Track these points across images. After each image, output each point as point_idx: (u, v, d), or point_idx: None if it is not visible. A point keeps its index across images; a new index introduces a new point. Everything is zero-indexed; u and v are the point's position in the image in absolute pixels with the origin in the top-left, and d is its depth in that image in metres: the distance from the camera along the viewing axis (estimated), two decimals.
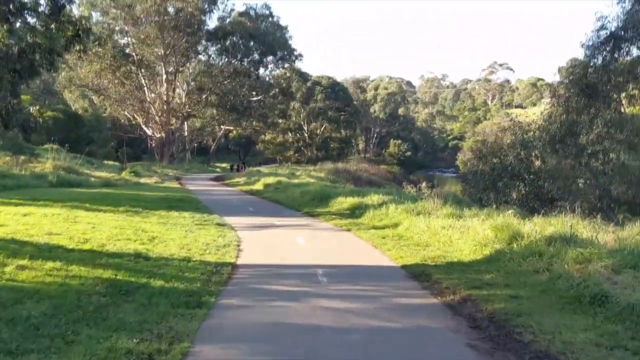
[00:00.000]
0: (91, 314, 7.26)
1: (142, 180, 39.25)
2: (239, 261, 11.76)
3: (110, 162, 56.41)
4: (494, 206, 21.81)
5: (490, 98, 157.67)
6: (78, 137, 62.03)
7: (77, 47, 21.69)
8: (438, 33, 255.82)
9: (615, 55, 19.84)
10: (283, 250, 13.27)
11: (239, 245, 13.67)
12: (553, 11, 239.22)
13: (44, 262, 9.69)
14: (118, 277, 9.23)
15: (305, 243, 14.34)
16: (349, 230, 16.79)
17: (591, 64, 19.49)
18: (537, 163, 27.29)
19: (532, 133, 27.18)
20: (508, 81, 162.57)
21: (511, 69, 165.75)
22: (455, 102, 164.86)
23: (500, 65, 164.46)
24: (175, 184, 39.11)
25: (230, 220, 19.15)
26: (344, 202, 22.69)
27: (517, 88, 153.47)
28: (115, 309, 7.53)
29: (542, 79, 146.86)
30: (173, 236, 14.34)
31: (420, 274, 10.25)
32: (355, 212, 20.72)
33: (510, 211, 14.80)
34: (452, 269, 10.42)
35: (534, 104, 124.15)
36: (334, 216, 20.30)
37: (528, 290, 8.31)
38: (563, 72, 19.86)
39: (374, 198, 22.47)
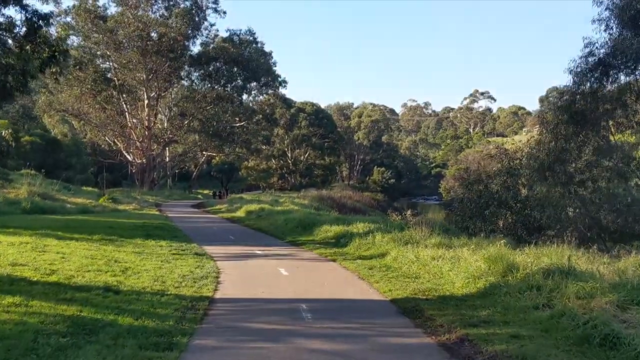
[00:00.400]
0: (47, 358, 6.45)
1: (121, 207, 38.22)
2: (217, 295, 10.97)
3: (89, 188, 55.23)
4: (482, 235, 21.33)
5: (471, 126, 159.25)
6: (56, 163, 60.86)
7: (53, 69, 20.94)
8: (420, 61, 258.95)
9: (604, 82, 19.60)
10: (265, 282, 12.50)
11: (217, 277, 12.88)
12: (533, 40, 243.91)
13: (2, 297, 8.85)
14: (83, 313, 8.41)
15: (289, 274, 13.59)
16: (334, 260, 16.08)
17: (579, 90, 19.21)
18: (524, 191, 26.96)
19: (518, 160, 26.92)
20: (489, 110, 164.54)
21: (492, 98, 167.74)
22: (438, 130, 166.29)
23: (482, 94, 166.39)
24: (154, 211, 38.13)
25: (209, 249, 18.34)
26: (329, 231, 21.99)
27: (499, 117, 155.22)
28: (75, 352, 6.73)
29: (523, 108, 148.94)
30: (148, 267, 13.51)
31: (411, 310, 9.55)
32: (340, 240, 20.02)
33: (502, 241, 14.19)
34: (445, 304, 9.73)
35: (515, 133, 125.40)
36: (318, 245, 19.58)
37: (529, 329, 7.65)
38: (550, 99, 19.52)
39: (359, 226, 21.81)
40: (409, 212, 38.66)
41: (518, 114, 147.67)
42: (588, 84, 19.44)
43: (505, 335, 7.39)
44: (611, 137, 21.01)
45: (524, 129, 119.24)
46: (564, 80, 20.01)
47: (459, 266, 12.25)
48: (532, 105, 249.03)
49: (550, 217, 19.57)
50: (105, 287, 10.62)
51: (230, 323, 8.67)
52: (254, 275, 13.48)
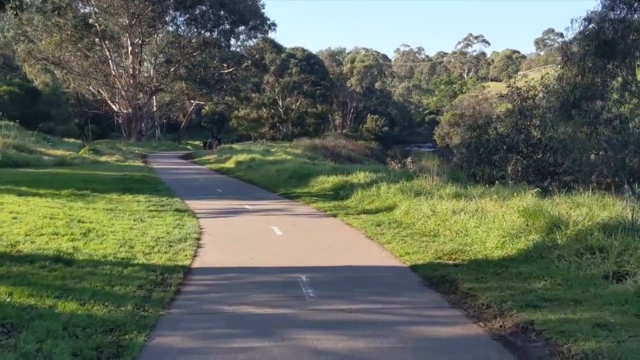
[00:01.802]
0: None
1: (103, 158, 35.89)
2: (196, 263, 8.89)
3: (72, 140, 52.54)
4: (495, 182, 19.34)
5: (466, 71, 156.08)
6: (37, 114, 57.96)
7: (12, 4, 18.37)
8: (413, 4, 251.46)
9: (635, 8, 17.20)
10: (255, 244, 10.43)
11: (198, 239, 10.79)
12: None
13: None
14: (12, 298, 6.32)
15: (283, 234, 11.51)
16: (334, 215, 14.00)
17: (608, 17, 16.82)
18: (536, 134, 24.84)
19: (531, 100, 24.64)
20: (484, 54, 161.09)
21: (487, 42, 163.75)
22: (431, 76, 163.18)
23: (476, 37, 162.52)
24: (139, 163, 35.83)
25: (193, 204, 16.23)
26: (326, 182, 19.87)
27: (493, 61, 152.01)
28: None
29: (517, 52, 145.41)
30: (116, 228, 11.38)
31: (440, 281, 7.53)
32: (339, 192, 17.93)
33: (534, 190, 12.13)
34: (482, 272, 7.70)
35: (510, 77, 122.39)
36: (315, 198, 17.48)
37: (614, 312, 5.61)
38: (575, 27, 17.33)
39: (360, 176, 19.70)
40: (409, 159, 36.61)
41: (512, 58, 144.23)
42: (619, 10, 17.02)
43: (585, 322, 5.34)
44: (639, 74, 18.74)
45: (519, 73, 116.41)
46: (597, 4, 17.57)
47: (487, 221, 10.19)
48: (527, 48, 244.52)
49: (575, 160, 17.47)
50: (56, 256, 8.51)
51: (208, 306, 6.59)
52: (243, 235, 11.39)
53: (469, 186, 15.45)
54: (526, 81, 25.55)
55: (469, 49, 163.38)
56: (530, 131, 24.86)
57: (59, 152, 35.62)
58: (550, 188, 17.66)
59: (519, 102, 24.47)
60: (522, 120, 24.79)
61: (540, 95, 24.81)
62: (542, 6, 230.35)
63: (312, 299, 6.82)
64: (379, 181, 16.81)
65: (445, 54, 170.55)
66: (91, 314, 5.95)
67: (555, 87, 18.86)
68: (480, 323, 5.83)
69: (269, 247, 10.15)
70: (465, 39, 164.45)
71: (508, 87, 25.14)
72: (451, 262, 8.56)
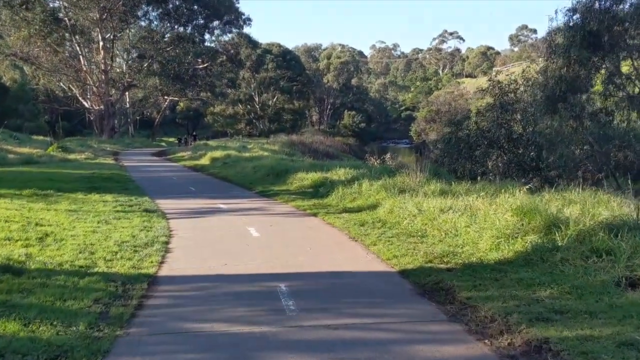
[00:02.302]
0: None
1: (72, 156, 34.55)
2: (163, 271, 8.03)
3: (40, 138, 51.00)
4: (479, 178, 18.82)
5: (441, 67, 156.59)
6: (5, 110, 56.14)
7: None
8: (389, 1, 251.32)
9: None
10: (229, 248, 9.60)
11: (167, 243, 9.91)
12: None
13: None
14: None
15: (260, 236, 10.68)
16: (315, 214, 13.20)
17: (596, 6, 16.32)
18: (517, 128, 24.39)
19: (512, 94, 24.17)
20: (458, 50, 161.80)
21: (461, 38, 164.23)
22: (407, 72, 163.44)
23: (451, 34, 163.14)
24: (109, 160, 34.60)
25: (164, 204, 15.32)
26: (305, 179, 19.07)
27: (467, 57, 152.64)
28: None
29: (492, 48, 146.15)
30: (77, 231, 10.45)
31: (434, 288, 6.80)
32: (319, 190, 17.14)
33: (527, 186, 11.51)
34: (478, 277, 6.99)
35: (485, 73, 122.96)
36: (294, 196, 16.66)
37: (639, 326, 4.95)
38: (559, 17, 16.77)
39: (340, 173, 18.93)
40: (388, 155, 35.99)
41: (487, 54, 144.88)
42: (603, 0, 16.54)
43: (607, 340, 4.65)
44: (624, 66, 18.33)
45: (493, 69, 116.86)
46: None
47: (478, 221, 9.51)
48: (501, 45, 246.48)
49: (562, 155, 16.96)
50: (4, 265, 7.59)
51: (173, 324, 5.75)
52: (216, 238, 10.54)
53: (453, 183, 14.81)
54: (507, 75, 25.09)
55: (444, 46, 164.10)
56: (511, 126, 24.40)
57: (26, 150, 34.24)
58: (532, 184, 17.16)
59: (500, 96, 23.96)
60: (503, 115, 24.31)
61: (522, 89, 24.37)
62: (516, 3, 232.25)
63: (293, 312, 6.03)
64: (360, 178, 16.07)
65: (421, 50, 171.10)
66: (35, 337, 5.08)
67: (540, 80, 18.30)
68: (486, 340, 5.11)
69: (244, 251, 9.32)
70: (440, 35, 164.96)
71: (489, 80, 24.60)
72: (443, 266, 7.84)
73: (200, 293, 6.94)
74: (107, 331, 5.40)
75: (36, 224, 10.92)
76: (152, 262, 8.40)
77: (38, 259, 8.16)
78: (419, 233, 10.08)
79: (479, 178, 19.16)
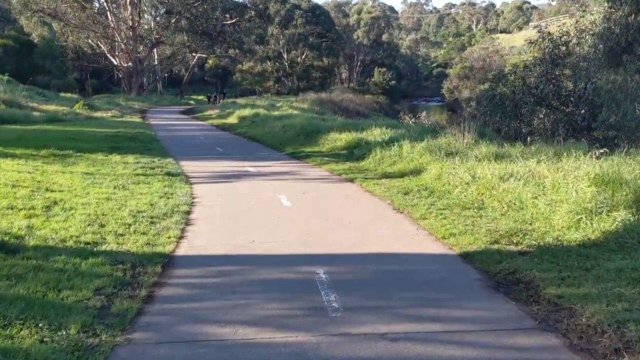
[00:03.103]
0: None
1: (98, 114, 33.69)
2: (181, 249, 6.91)
3: (68, 95, 50.19)
4: (529, 139, 17.28)
5: (474, 23, 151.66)
6: (33, 67, 55.61)
7: None
8: None
9: None
10: (257, 220, 8.41)
11: (189, 213, 8.78)
12: None
13: None
14: None
15: (292, 205, 9.48)
16: (351, 180, 11.91)
17: None
18: (568, 84, 22.48)
19: (564, 47, 22.17)
20: (493, 5, 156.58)
21: None
22: (439, 28, 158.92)
23: None
24: (136, 119, 33.65)
25: (188, 166, 14.21)
26: (338, 139, 17.74)
27: (502, 12, 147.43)
28: None
29: (527, 2, 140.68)
30: (90, 198, 9.38)
31: (510, 280, 5.51)
32: (354, 152, 15.82)
33: (601, 150, 10.01)
34: (562, 265, 5.67)
35: (520, 28, 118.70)
36: (327, 159, 15.37)
37: None
38: None
39: (375, 133, 17.57)
40: (423, 114, 34.25)
41: (523, 9, 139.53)
42: None
43: None
44: None
45: (530, 24, 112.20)
46: None
47: (547, 191, 8.12)
48: None
49: (625, 113, 15.23)
50: None
51: (187, 327, 4.59)
52: (243, 208, 9.36)
53: (505, 144, 13.34)
54: (559, 26, 23.01)
55: (478, 0, 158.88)
56: (561, 82, 22.53)
57: (52, 108, 33.46)
58: (597, 148, 15.63)
59: (550, 49, 22.01)
60: (552, 70, 22.41)
61: (574, 41, 22.37)
62: None
63: (337, 312, 4.81)
64: (399, 139, 14.64)
65: (453, 5, 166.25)
66: (10, 348, 3.98)
67: (600, 29, 16.39)
68: None
69: (275, 225, 8.13)
70: None
71: (538, 32, 22.58)
72: (513, 247, 6.54)
73: (223, 280, 5.78)
74: (103, 337, 4.28)
75: (46, 190, 9.90)
76: (169, 237, 7.28)
77: (39, 233, 7.09)
78: (476, 205, 8.73)
79: (529, 139, 17.67)
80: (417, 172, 11.71)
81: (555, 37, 22.29)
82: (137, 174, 12.39)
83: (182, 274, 5.98)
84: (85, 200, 9.18)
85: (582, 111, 21.10)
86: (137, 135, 22.06)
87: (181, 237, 7.43)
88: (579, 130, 21.07)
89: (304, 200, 9.86)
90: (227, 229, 7.96)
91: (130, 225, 7.76)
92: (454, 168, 10.65)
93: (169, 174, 12.61)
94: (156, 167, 13.63)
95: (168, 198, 9.76)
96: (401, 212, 8.77)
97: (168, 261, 6.37)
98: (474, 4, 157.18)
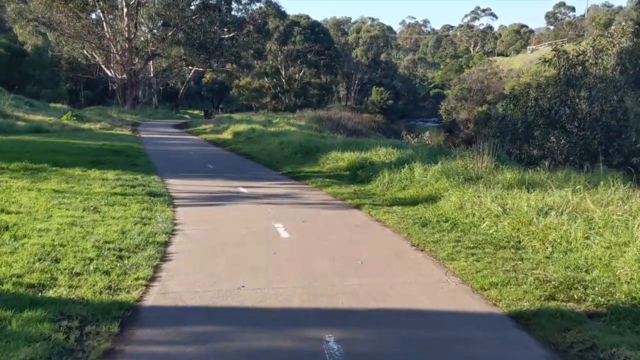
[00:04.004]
0: None
1: (86, 125, 32.22)
2: (149, 298, 5.40)
3: (58, 105, 48.73)
4: (547, 164, 15.98)
5: (472, 45, 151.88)
6: (24, 77, 54.27)
7: None
8: None
9: None
10: (249, 257, 6.93)
11: (166, 245, 7.30)
12: None
13: None
14: None
15: (291, 237, 7.99)
16: (358, 207, 10.44)
17: None
18: (584, 107, 21.22)
19: (580, 67, 20.95)
20: (491, 28, 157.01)
21: (494, 15, 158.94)
22: (437, 49, 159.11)
23: (483, 11, 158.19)
24: (126, 131, 32.18)
25: (174, 184, 12.74)
26: (340, 159, 16.31)
27: (500, 35, 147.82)
28: None
29: (525, 26, 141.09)
30: (52, 223, 7.89)
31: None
32: (357, 173, 14.39)
33: None
34: None
35: (518, 52, 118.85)
36: (328, 180, 13.90)
37: None
38: None
39: (381, 153, 16.18)
40: (426, 134, 32.99)
41: (520, 32, 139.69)
42: None
43: None
44: None
45: (528, 48, 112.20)
46: None
47: (600, 229, 6.70)
48: (535, 23, 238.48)
49: None
50: None
51: None
52: (232, 239, 7.87)
53: (529, 170, 11.97)
54: (575, 44, 21.86)
55: (476, 23, 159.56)
56: (577, 103, 21.28)
57: (38, 118, 32.01)
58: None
59: (566, 68, 20.76)
60: (567, 90, 21.16)
61: (591, 61, 21.17)
62: None
63: None
64: (409, 160, 13.23)
65: (452, 27, 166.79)
66: None
67: (629, 45, 15.13)
68: None
69: (270, 264, 6.64)
70: (472, 11, 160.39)
71: (553, 50, 21.36)
72: (576, 306, 5.09)
73: (199, 350, 4.28)
74: None
75: (2, 210, 8.41)
76: (137, 278, 5.78)
77: None
78: (512, 243, 7.29)
79: (547, 163, 16.37)
80: (432, 199, 10.27)
81: (571, 56, 21.11)
82: (115, 193, 10.90)
83: (145, 338, 4.48)
84: (44, 226, 7.69)
85: (598, 135, 19.89)
86: (124, 148, 20.60)
87: (153, 279, 5.94)
88: (594, 154, 19.81)
89: (305, 231, 8.37)
90: (211, 268, 6.47)
91: (91, 260, 6.27)
92: (478, 196, 9.22)
93: (151, 193, 11.13)
94: (138, 185, 12.15)
95: (145, 224, 8.27)
96: (422, 250, 7.30)
97: (130, 315, 4.87)
98: (471, 27, 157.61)
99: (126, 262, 6.34)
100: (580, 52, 21.02)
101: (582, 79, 20.73)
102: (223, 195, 11.72)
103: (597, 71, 21.17)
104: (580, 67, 20.89)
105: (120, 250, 6.78)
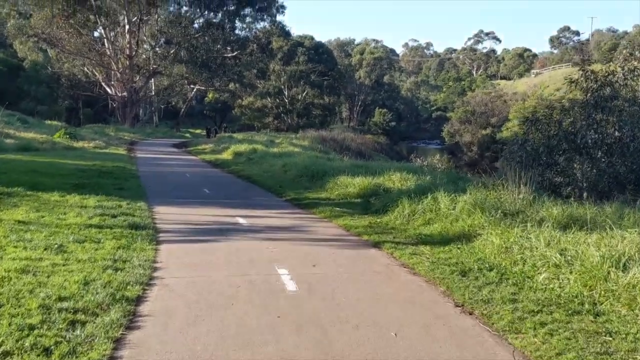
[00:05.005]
0: None
1: (79, 144, 30.71)
2: None
3: (55, 123, 47.30)
4: (585, 195, 14.42)
5: (475, 68, 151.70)
6: (18, 92, 52.99)
7: None
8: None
9: None
10: (245, 323, 5.25)
11: (138, 303, 5.62)
12: None
13: None
14: None
15: (300, 291, 6.29)
16: (377, 245, 8.76)
17: None
18: (612, 131, 19.63)
19: (609, 88, 19.41)
20: (494, 51, 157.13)
21: (497, 39, 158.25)
22: (439, 72, 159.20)
23: (487, 34, 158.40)
24: (121, 150, 30.65)
25: (162, 213, 11.11)
26: (350, 184, 14.68)
27: (503, 59, 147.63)
28: None
29: (529, 50, 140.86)
30: None
31: None
32: (370, 201, 12.75)
33: None
34: None
35: (521, 75, 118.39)
36: (338, 209, 12.23)
37: None
38: None
39: (394, 178, 14.58)
40: (437, 157, 31.49)
41: (524, 56, 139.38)
42: None
43: None
44: None
45: (532, 71, 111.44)
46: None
47: None
48: (540, 47, 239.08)
49: None
50: None
51: None
52: (225, 294, 6.17)
53: (570, 203, 10.33)
54: (605, 63, 20.35)
55: (479, 46, 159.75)
56: (605, 128, 19.69)
57: (30, 135, 30.50)
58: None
59: (594, 89, 19.20)
60: (594, 114, 19.59)
61: (621, 82, 19.63)
62: (555, 5, 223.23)
63: None
64: (432, 188, 11.56)
65: (454, 50, 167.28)
66: None
67: None
68: None
69: (272, 336, 4.96)
70: (475, 35, 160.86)
71: (580, 69, 19.83)
72: None
73: None
74: None
75: None
76: None
77: None
78: (586, 306, 5.60)
79: (585, 195, 14.83)
80: (466, 237, 8.61)
81: (599, 77, 19.59)
82: (90, 225, 9.24)
83: None
84: None
85: (628, 162, 18.29)
86: (114, 170, 19.00)
87: (111, 359, 4.27)
88: (623, 184, 18.19)
89: (316, 281, 6.68)
90: (191, 343, 4.78)
91: (32, 329, 4.61)
92: (527, 238, 7.55)
93: (133, 225, 9.46)
94: (120, 214, 10.50)
95: (117, 269, 6.61)
96: (470, 313, 5.62)
97: None
98: (474, 50, 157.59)
99: (79, 332, 4.67)
100: (609, 72, 19.52)
101: (611, 102, 19.21)
102: (217, 227, 10.05)
103: (628, 93, 19.67)
104: (609, 89, 19.39)
105: (76, 311, 5.11)
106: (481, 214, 9.15)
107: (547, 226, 7.93)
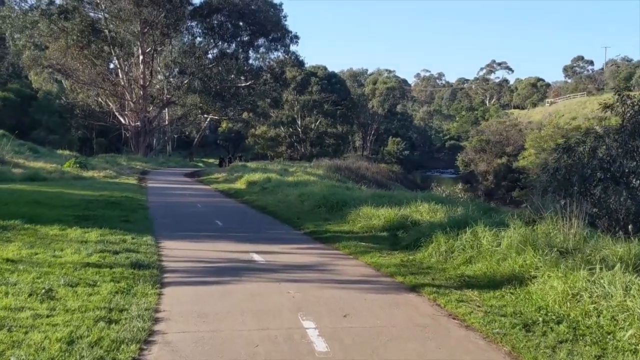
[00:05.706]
0: None
1: (89, 173, 29.87)
2: None
3: (66, 152, 46.81)
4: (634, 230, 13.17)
5: (488, 98, 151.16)
6: (31, 122, 52.77)
7: None
8: (435, 30, 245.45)
9: None
10: None
11: None
12: (553, 10, 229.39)
13: None
14: None
15: (331, 352, 5.12)
16: (415, 289, 7.57)
17: None
18: None
19: None
20: (506, 81, 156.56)
21: (510, 69, 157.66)
22: (452, 102, 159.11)
23: (499, 64, 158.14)
24: (132, 180, 29.76)
25: (169, 249, 10.01)
26: (374, 216, 13.52)
27: (516, 88, 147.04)
28: None
29: (542, 79, 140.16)
30: None
31: None
32: (398, 235, 11.59)
33: None
34: None
35: (535, 105, 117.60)
36: (363, 244, 11.04)
37: None
38: None
39: (422, 209, 13.43)
40: (459, 186, 30.26)
41: (537, 86, 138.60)
42: None
43: None
44: None
45: (546, 100, 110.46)
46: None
47: None
48: (552, 76, 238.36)
49: None
50: None
51: None
52: (237, 356, 5.04)
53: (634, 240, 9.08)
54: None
55: (492, 76, 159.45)
56: None
57: (39, 165, 29.79)
58: None
59: (632, 114, 18.03)
60: (632, 141, 18.37)
61: None
62: (568, 35, 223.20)
63: None
64: (468, 221, 10.36)
65: (467, 80, 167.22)
66: None
67: None
68: None
69: None
70: (487, 65, 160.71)
71: (616, 93, 18.72)
72: None
73: None
74: None
75: None
76: None
77: None
78: None
79: (631, 228, 13.55)
80: (518, 280, 7.41)
81: (636, 102, 18.44)
82: (88, 264, 8.17)
83: None
84: None
85: None
86: (122, 200, 18.02)
87: None
88: None
89: (350, 338, 5.50)
90: None
91: None
92: (599, 283, 6.34)
93: (135, 264, 8.37)
94: (123, 250, 9.44)
95: (110, 322, 5.50)
96: None
97: None
98: (487, 80, 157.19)
99: None
100: None
101: None
102: (230, 266, 8.92)
103: None
104: None
105: None
106: (534, 253, 7.94)
107: (618, 268, 6.72)
